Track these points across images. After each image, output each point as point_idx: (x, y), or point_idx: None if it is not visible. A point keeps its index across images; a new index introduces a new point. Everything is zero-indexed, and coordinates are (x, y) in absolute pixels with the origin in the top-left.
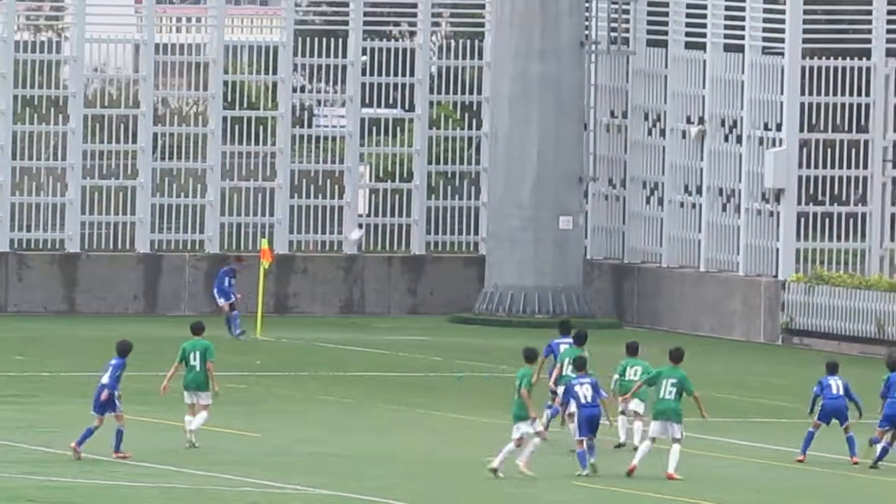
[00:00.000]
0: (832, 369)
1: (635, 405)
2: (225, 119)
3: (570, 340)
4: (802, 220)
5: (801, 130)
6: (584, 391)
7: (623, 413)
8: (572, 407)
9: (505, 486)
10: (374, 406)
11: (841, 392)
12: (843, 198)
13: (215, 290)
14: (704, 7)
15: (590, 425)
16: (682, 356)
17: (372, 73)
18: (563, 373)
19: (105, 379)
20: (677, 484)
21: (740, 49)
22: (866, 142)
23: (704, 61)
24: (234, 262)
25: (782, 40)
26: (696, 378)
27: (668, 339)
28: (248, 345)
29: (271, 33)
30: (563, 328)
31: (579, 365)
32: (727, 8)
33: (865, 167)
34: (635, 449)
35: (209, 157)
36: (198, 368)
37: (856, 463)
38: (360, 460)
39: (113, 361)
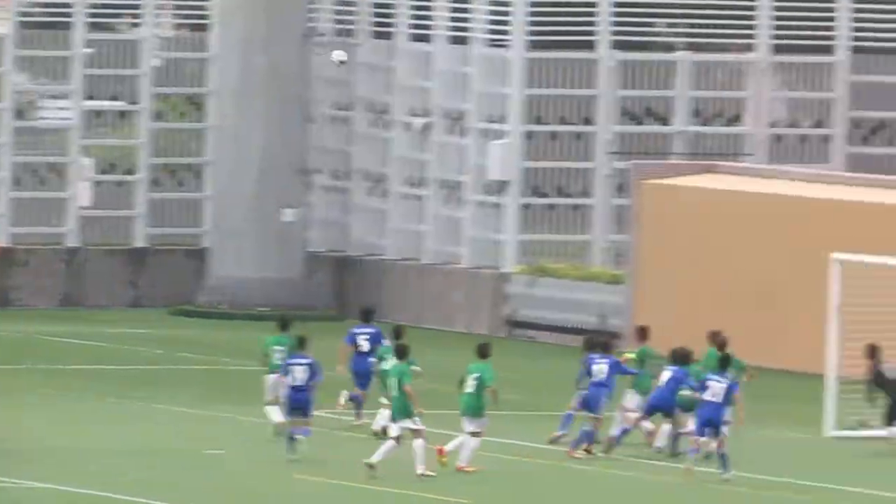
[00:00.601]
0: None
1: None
2: None
3: (371, 330)
4: (526, 211)
5: (527, 123)
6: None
7: None
8: None
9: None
10: (94, 399)
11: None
12: (567, 190)
13: None
14: None
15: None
16: (489, 351)
17: (96, 66)
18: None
19: None
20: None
21: (466, 41)
22: (590, 134)
23: (430, 53)
24: None
25: (508, 32)
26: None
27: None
28: None
29: None
30: (365, 316)
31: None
32: (453, 0)
33: (589, 159)
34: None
35: None
36: None
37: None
38: (81, 453)
39: None
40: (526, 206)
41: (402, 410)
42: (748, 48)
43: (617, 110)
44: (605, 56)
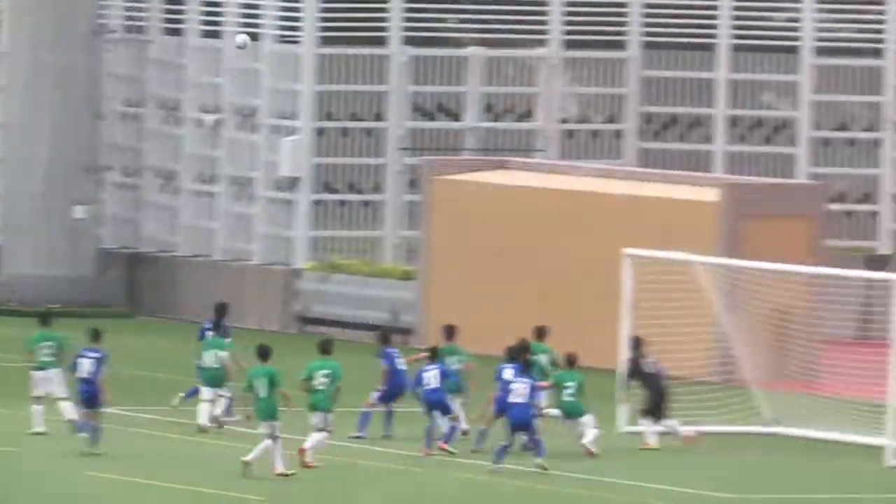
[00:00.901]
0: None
1: None
2: None
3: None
4: (318, 208)
5: (318, 119)
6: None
7: None
8: None
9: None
10: None
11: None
12: (359, 186)
13: None
14: None
15: None
16: (331, 348)
17: None
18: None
19: None
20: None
21: (257, 38)
22: (381, 130)
23: (221, 50)
24: None
25: (299, 28)
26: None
27: (182, 328)
28: None
29: None
30: (218, 311)
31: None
32: None
33: (380, 155)
34: None
35: None
36: None
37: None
38: None
39: None
40: (317, 203)
41: (268, 412)
42: (539, 44)
43: (408, 106)
44: (396, 52)
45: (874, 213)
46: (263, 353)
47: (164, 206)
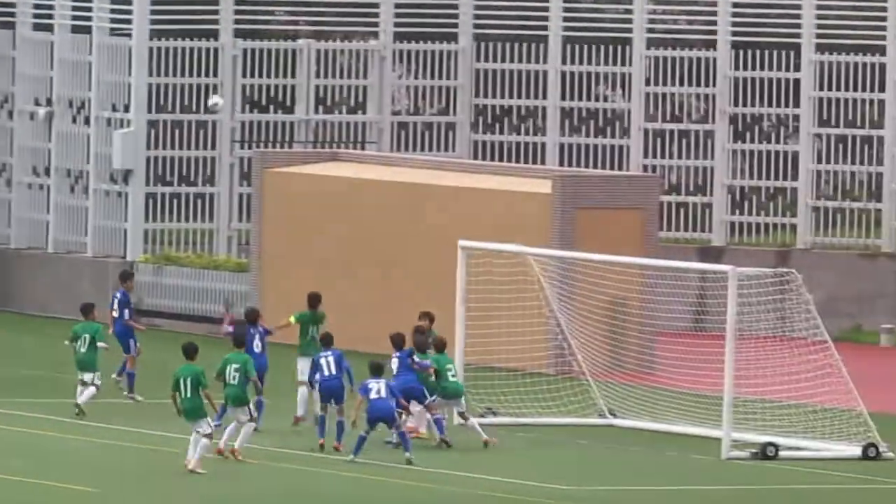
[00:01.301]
0: (376, 371)
1: None
2: None
3: None
4: (151, 200)
5: (150, 111)
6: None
7: None
8: None
9: None
10: None
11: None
12: (192, 178)
13: None
14: None
15: None
16: (242, 342)
17: None
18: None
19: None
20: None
21: (88, 30)
22: (214, 122)
23: (52, 42)
24: None
25: (130, 21)
26: (46, 360)
27: (17, 320)
28: None
29: None
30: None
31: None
32: None
33: (213, 148)
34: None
35: None
36: None
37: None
38: None
39: None
40: (150, 195)
41: (196, 412)
42: (371, 35)
43: (240, 98)
44: (228, 44)
45: (707, 205)
46: (189, 352)
47: None
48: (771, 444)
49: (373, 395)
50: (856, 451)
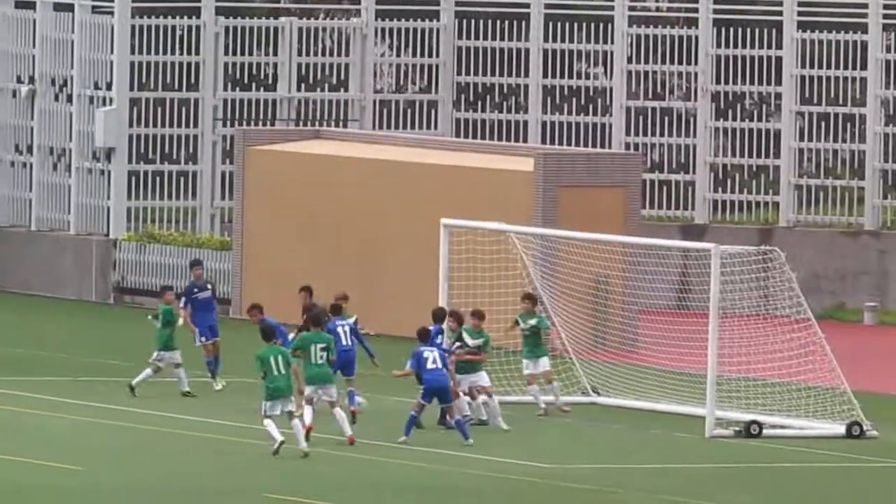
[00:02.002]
0: (426, 338)
1: None
2: None
3: None
4: (133, 178)
5: (132, 89)
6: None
7: None
8: None
9: None
10: None
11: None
12: (175, 156)
13: None
14: None
15: None
16: (320, 321)
17: None
18: None
19: None
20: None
21: (70, 8)
22: (197, 100)
23: (34, 20)
24: None
25: None
26: (28, 338)
27: (1, 298)
28: None
29: None
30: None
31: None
32: None
33: (196, 125)
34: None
35: None
36: None
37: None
38: None
39: None
40: (133, 173)
41: (289, 389)
42: (353, 13)
43: (223, 76)
44: (210, 21)
45: (690, 183)
46: (268, 334)
47: None
48: (755, 422)
49: (429, 365)
50: (840, 429)
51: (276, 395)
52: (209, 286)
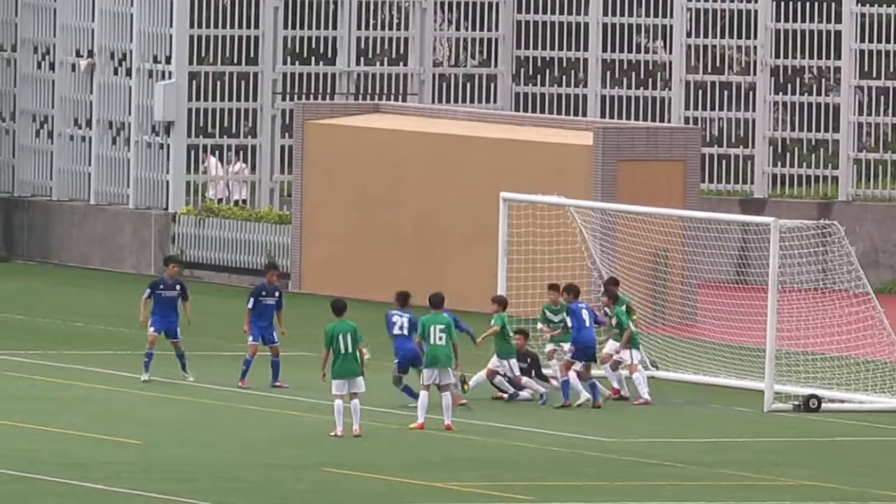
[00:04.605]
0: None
1: None
2: None
3: None
4: (192, 152)
5: (191, 63)
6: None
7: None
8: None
9: None
10: None
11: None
12: (234, 130)
13: None
14: None
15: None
16: (442, 301)
17: None
18: None
19: None
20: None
21: None
22: (256, 74)
23: None
24: None
25: None
26: (87, 312)
27: (59, 273)
28: None
29: None
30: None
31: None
32: None
33: (255, 99)
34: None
35: None
36: None
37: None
38: None
39: None
40: (192, 147)
41: (356, 370)
42: None
43: (282, 50)
44: None
45: (749, 157)
46: (339, 309)
47: (38, 150)
48: (814, 396)
49: (395, 331)
50: None
51: (341, 374)
52: (277, 293)
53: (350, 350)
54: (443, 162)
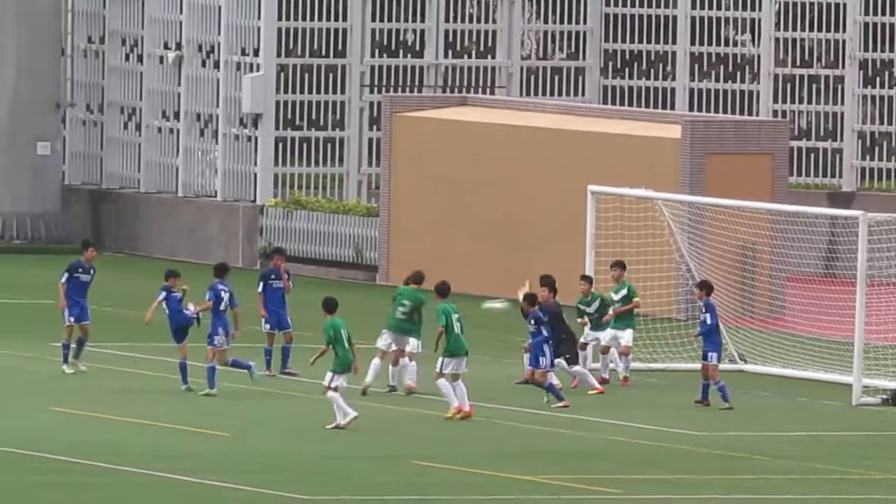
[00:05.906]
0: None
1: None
2: None
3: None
4: (280, 144)
5: (279, 55)
6: None
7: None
8: None
9: None
10: None
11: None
12: (321, 122)
13: None
14: None
15: None
16: (449, 290)
17: None
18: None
19: None
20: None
21: None
22: (343, 66)
23: None
24: None
25: None
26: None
27: (147, 263)
28: None
29: None
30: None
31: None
32: None
33: (342, 92)
34: None
35: None
36: None
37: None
38: None
39: None
40: (280, 139)
41: (351, 365)
42: None
43: (369, 42)
44: None
45: (838, 151)
46: (332, 306)
47: (126, 142)
48: None
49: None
50: None
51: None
52: (286, 273)
53: (348, 346)
54: (530, 155)
